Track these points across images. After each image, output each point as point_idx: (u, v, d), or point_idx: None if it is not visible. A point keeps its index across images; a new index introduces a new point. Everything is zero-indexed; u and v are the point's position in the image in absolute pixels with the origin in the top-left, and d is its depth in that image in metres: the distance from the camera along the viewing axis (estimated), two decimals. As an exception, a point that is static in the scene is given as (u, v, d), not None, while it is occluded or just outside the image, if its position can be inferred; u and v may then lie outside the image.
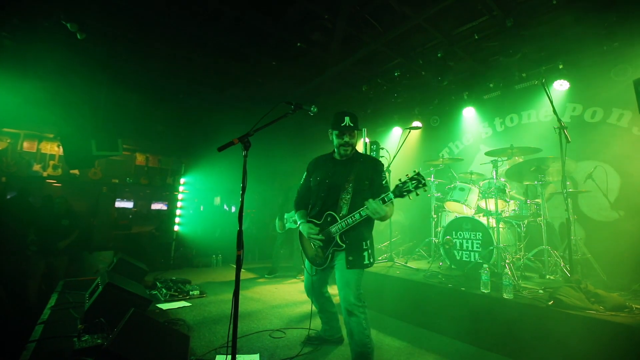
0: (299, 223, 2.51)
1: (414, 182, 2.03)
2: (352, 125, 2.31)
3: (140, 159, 8.56)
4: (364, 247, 2.29)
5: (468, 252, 3.93)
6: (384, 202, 2.08)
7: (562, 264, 3.30)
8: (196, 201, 7.93)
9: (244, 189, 1.84)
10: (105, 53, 4.91)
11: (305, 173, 2.62)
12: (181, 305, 3.88)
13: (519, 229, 4.09)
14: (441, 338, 3.08)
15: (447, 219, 4.41)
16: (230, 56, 5.15)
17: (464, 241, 4.00)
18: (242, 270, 5.14)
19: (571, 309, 2.48)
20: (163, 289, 4.15)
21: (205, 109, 7.01)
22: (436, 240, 4.47)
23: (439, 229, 4.54)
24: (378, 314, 3.75)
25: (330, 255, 2.35)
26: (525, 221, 4.03)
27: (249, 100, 6.60)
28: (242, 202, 1.81)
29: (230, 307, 3.85)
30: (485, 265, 3.13)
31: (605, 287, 2.94)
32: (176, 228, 7.13)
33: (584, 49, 4.27)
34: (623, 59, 4.03)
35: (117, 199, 8.43)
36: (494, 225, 3.76)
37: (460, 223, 4.05)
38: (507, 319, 2.73)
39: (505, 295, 2.83)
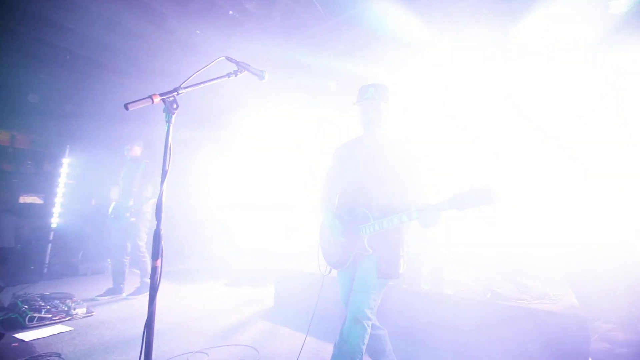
0: (323, 216, 2.08)
1: (477, 196, 1.52)
2: (376, 96, 1.91)
3: (3, 138, 6.45)
4: (400, 253, 1.89)
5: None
6: (436, 210, 1.63)
7: (491, 257, 3.52)
8: (86, 193, 6.36)
9: (165, 173, 1.26)
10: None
11: (331, 159, 2.19)
12: (57, 332, 2.87)
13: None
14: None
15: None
16: (140, 14, 4.15)
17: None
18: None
19: (505, 300, 2.58)
20: (27, 311, 3.02)
21: (105, 79, 5.61)
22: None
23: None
24: (318, 319, 3.42)
25: (351, 258, 1.93)
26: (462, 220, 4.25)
27: (167, 74, 5.54)
28: (161, 191, 1.23)
29: (131, 326, 3.03)
30: (427, 262, 3.10)
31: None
32: (54, 226, 5.55)
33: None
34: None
35: (-39, 190, 6.18)
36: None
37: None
38: (449, 314, 2.72)
39: (446, 291, 2.83)
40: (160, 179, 1.26)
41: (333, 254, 2.04)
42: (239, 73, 1.62)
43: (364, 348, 1.82)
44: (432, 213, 1.64)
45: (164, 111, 1.29)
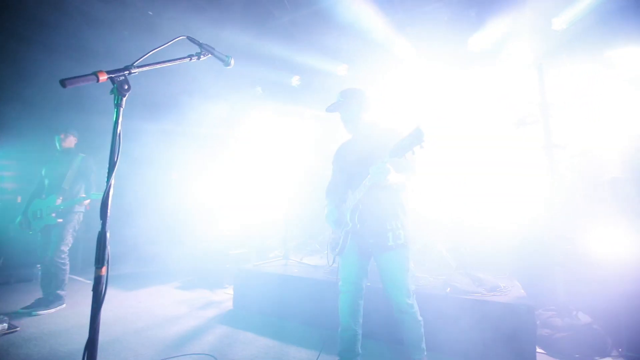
0: (326, 208, 2.31)
1: (409, 138, 1.72)
2: (344, 100, 2.19)
3: None
4: (387, 227, 2.02)
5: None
6: (383, 162, 1.80)
7: (444, 253, 3.68)
8: (10, 189, 5.50)
9: (114, 165, 1.07)
10: None
11: (333, 160, 2.45)
12: (-32, 354, 2.41)
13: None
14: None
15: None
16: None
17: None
18: (78, 279, 3.72)
19: (463, 293, 2.70)
20: None
21: (40, 59, 4.86)
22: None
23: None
24: (279, 321, 3.31)
25: (342, 238, 2.12)
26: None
27: (115, 57, 4.96)
28: (108, 186, 1.04)
29: (66, 341, 2.65)
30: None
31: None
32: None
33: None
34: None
35: None
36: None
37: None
38: (410, 310, 2.77)
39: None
40: (99, 175, 1.07)
41: (332, 239, 2.25)
42: (202, 56, 1.46)
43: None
44: (379, 166, 1.79)
45: (111, 92, 1.10)
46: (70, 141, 3.67)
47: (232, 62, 1.62)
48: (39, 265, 4.64)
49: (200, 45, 1.46)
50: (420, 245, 4.04)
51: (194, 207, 6.13)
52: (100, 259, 1.00)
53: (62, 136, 3.61)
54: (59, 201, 3.43)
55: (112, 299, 3.95)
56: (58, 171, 3.55)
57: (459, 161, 4.15)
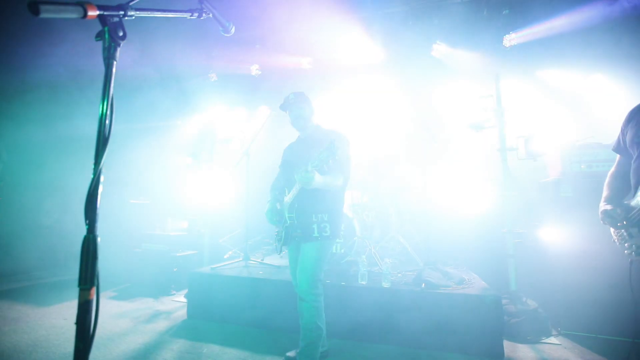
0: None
1: (325, 152, 1.88)
2: (296, 100, 2.36)
3: None
4: (313, 219, 2.18)
5: (331, 243, 3.87)
6: (306, 170, 1.93)
7: (409, 248, 3.79)
8: None
9: (104, 141, 0.75)
10: None
11: (281, 156, 2.59)
12: None
13: (366, 219, 4.46)
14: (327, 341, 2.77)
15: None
16: None
17: (326, 232, 3.93)
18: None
19: (436, 288, 2.79)
20: None
21: None
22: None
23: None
24: (246, 328, 3.01)
25: (284, 232, 2.28)
26: (374, 212, 4.44)
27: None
28: (98, 172, 0.73)
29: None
30: (363, 256, 3.10)
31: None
32: None
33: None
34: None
35: None
36: (351, 215, 3.91)
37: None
38: (388, 307, 2.76)
39: (384, 284, 2.87)
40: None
41: (278, 234, 2.37)
42: (203, 14, 1.17)
43: (319, 316, 2.16)
44: (303, 175, 1.92)
45: (98, 38, 0.77)
46: None
47: (233, 30, 1.36)
48: None
49: (204, 1, 1.17)
50: (385, 241, 4.11)
51: (128, 204, 5.30)
52: (87, 275, 0.68)
53: None
54: None
55: (26, 317, 3.16)
56: None
57: (422, 159, 4.33)
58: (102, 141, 0.73)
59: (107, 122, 0.75)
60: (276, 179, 2.62)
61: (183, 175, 5.21)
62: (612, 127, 3.79)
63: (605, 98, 3.90)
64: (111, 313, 3.36)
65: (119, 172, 5.54)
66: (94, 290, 0.70)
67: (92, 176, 0.71)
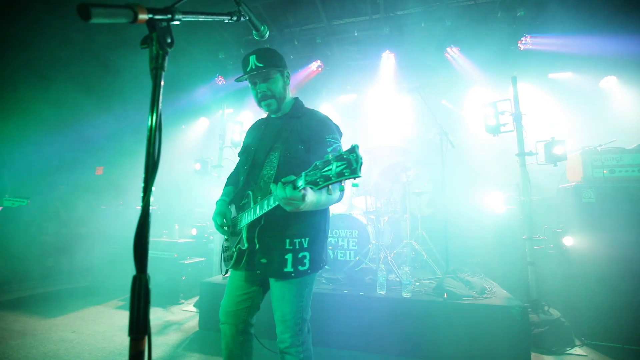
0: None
1: (341, 164, 1.02)
2: (261, 65, 1.50)
3: None
4: (287, 246, 1.47)
5: (344, 251, 3.78)
6: (294, 187, 1.15)
7: (425, 255, 3.70)
8: None
9: (153, 165, 0.65)
10: None
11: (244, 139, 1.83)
12: None
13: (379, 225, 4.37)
14: (341, 352, 2.68)
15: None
16: None
17: (339, 239, 3.84)
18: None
19: (459, 298, 2.70)
20: None
21: None
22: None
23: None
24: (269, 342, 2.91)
25: (235, 254, 1.56)
26: (386, 217, 4.35)
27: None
28: (148, 200, 0.63)
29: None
30: (382, 265, 3.00)
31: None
32: None
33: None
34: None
35: None
36: (365, 222, 3.83)
37: (336, 220, 3.87)
38: (408, 318, 2.67)
39: (405, 295, 2.78)
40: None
41: (225, 247, 1.68)
42: (241, 17, 1.08)
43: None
44: (284, 193, 1.15)
45: (144, 45, 0.68)
46: None
47: (267, 34, 1.28)
48: None
49: (239, 3, 1.08)
50: (401, 247, 4.02)
51: (134, 210, 5.20)
52: (138, 323, 0.59)
53: None
54: None
55: (30, 331, 3.04)
56: None
57: (437, 163, 4.24)
58: (150, 166, 0.64)
59: (156, 144, 0.65)
60: (235, 170, 1.86)
61: (191, 181, 5.11)
62: (634, 130, 3.77)
63: (627, 100, 3.83)
64: (120, 325, 3.25)
65: (123, 177, 5.44)
66: (145, 340, 0.60)
67: (141, 207, 0.62)
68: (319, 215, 1.57)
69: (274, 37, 4.73)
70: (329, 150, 1.46)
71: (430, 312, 2.65)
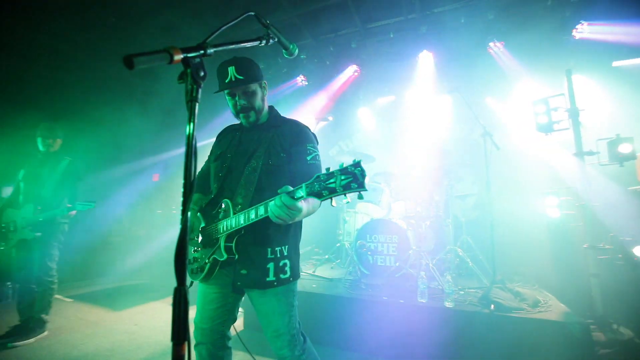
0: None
1: (346, 177, 1.07)
2: (241, 78, 1.46)
3: None
4: (269, 255, 1.47)
5: (383, 257, 3.73)
6: (293, 197, 1.19)
7: (470, 263, 3.51)
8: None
9: (190, 186, 0.73)
10: None
11: (214, 143, 1.76)
12: None
13: (420, 230, 4.23)
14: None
15: (360, 221, 4.12)
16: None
17: (379, 244, 3.78)
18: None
19: (508, 311, 2.52)
20: None
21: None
22: (348, 244, 4.12)
23: (340, 231, 4.32)
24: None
25: (208, 266, 1.49)
26: (428, 222, 4.20)
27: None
28: (186, 219, 0.71)
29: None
30: (422, 272, 2.92)
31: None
32: None
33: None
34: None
35: None
36: (405, 226, 3.73)
37: (375, 225, 3.82)
38: (450, 329, 2.56)
39: (447, 304, 2.67)
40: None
41: (192, 259, 1.61)
42: (270, 40, 1.15)
43: None
44: (283, 204, 1.19)
45: (181, 80, 0.76)
46: (57, 144, 3.19)
47: (296, 52, 1.33)
48: (9, 283, 4.05)
49: (267, 26, 1.15)
50: (443, 253, 3.86)
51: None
52: (179, 330, 0.67)
53: (50, 141, 3.10)
54: (36, 212, 2.92)
55: (101, 321, 3.45)
56: (38, 176, 3.04)
57: (481, 165, 4.01)
58: (188, 187, 0.72)
59: (192, 167, 0.73)
60: (199, 176, 1.79)
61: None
62: None
63: None
64: (168, 319, 3.54)
65: (177, 185, 5.94)
66: (185, 345, 0.68)
67: (180, 225, 0.70)
68: (297, 224, 1.60)
69: (309, 44, 4.83)
70: (308, 158, 1.51)
71: (474, 324, 2.52)
